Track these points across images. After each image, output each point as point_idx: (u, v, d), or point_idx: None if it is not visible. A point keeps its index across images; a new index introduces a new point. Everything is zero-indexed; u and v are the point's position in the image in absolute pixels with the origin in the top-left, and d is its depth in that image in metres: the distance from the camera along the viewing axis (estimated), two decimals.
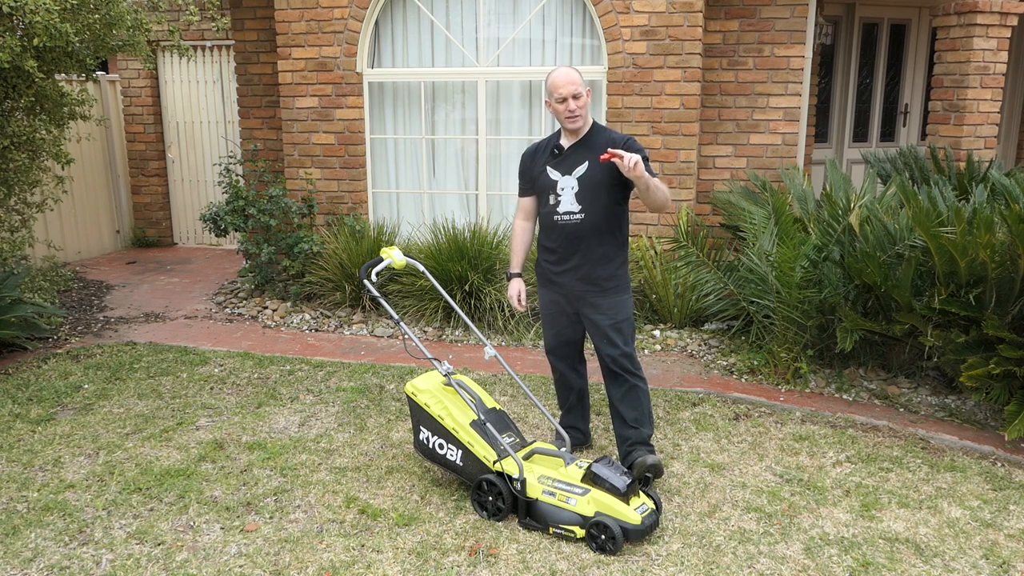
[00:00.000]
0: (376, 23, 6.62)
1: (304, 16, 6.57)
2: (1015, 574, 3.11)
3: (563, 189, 3.70)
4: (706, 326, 6.02)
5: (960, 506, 3.60)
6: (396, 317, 3.67)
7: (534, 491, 3.36)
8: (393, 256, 3.80)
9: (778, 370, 5.07)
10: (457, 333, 5.99)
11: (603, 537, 3.20)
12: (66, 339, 5.97)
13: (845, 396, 4.84)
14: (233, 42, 7.66)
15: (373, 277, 3.75)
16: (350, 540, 3.30)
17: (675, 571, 3.10)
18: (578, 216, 3.67)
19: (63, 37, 5.22)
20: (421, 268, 4.01)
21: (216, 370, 5.29)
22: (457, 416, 3.57)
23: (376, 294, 3.71)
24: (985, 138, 6.46)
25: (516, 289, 3.92)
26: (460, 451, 3.56)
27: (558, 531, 3.30)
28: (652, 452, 3.77)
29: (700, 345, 5.72)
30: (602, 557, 3.18)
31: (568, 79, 3.59)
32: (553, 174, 3.73)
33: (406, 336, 3.77)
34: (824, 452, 4.11)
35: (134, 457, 4.05)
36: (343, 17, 6.50)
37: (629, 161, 3.33)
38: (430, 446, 3.67)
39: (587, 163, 3.67)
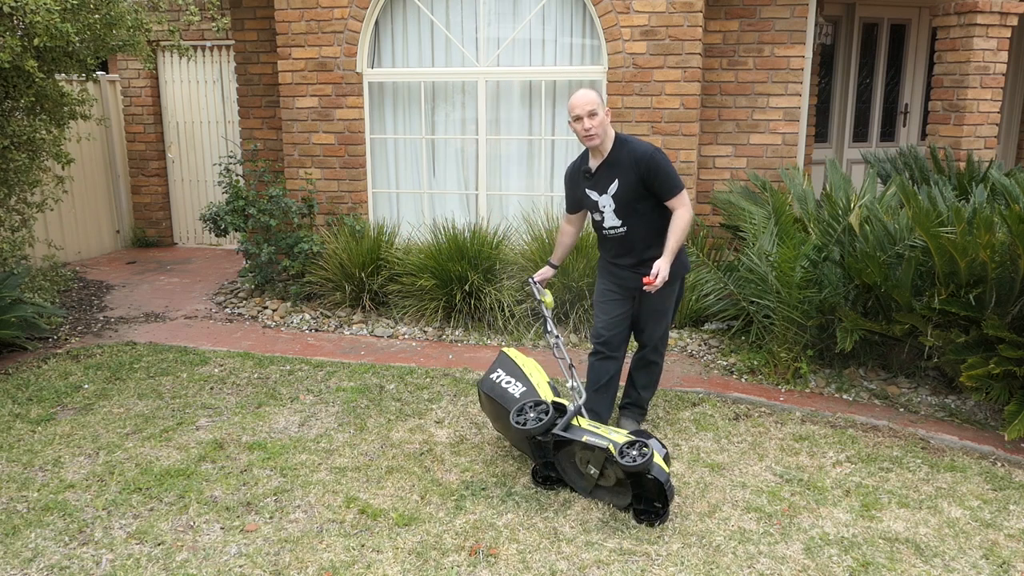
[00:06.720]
0: (376, 23, 6.62)
1: (304, 16, 6.58)
2: (1015, 574, 3.11)
3: (604, 207, 3.96)
4: (706, 326, 6.02)
5: (960, 506, 3.60)
6: (556, 333, 4.00)
7: (582, 423, 3.64)
8: (547, 300, 4.21)
9: (778, 370, 5.07)
10: (457, 333, 6.00)
11: (643, 449, 3.33)
12: (66, 339, 5.98)
13: (845, 396, 4.84)
14: (233, 42, 7.66)
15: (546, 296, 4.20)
16: (350, 540, 3.31)
17: (675, 571, 3.10)
18: (622, 229, 3.97)
19: (63, 37, 5.22)
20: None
21: (216, 370, 5.29)
22: (539, 380, 3.85)
23: (547, 315, 4.12)
24: (985, 138, 6.46)
25: (541, 273, 4.28)
26: (525, 387, 3.79)
27: (591, 440, 3.45)
28: (642, 417, 4.39)
29: (700, 345, 5.72)
30: (602, 557, 3.18)
31: (584, 99, 3.78)
32: (592, 194, 3.99)
33: (556, 345, 4.01)
34: (824, 452, 4.11)
35: (134, 457, 4.05)
36: (343, 17, 6.50)
37: (655, 281, 3.71)
38: (497, 380, 3.88)
39: (617, 181, 3.87)
